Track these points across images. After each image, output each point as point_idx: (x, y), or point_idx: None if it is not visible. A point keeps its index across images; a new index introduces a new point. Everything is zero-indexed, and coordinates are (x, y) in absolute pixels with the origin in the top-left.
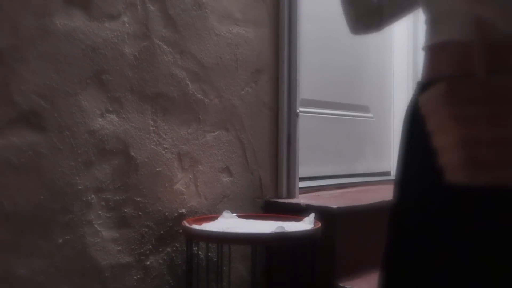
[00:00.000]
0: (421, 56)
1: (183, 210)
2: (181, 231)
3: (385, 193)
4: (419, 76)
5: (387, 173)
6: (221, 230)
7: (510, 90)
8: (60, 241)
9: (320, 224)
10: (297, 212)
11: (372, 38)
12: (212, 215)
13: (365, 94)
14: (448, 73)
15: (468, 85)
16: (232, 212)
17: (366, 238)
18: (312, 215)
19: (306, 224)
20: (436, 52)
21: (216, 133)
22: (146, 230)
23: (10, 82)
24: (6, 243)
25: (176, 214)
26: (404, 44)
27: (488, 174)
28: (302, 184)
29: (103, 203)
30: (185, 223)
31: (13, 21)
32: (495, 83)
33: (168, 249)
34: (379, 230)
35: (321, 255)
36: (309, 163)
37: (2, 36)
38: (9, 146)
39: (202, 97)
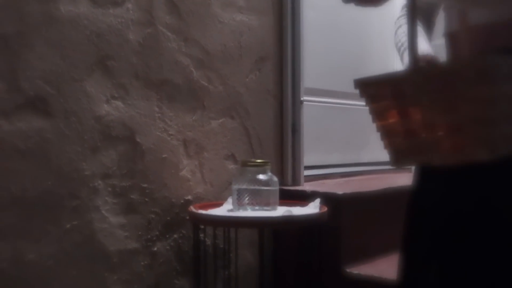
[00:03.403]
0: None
1: (189, 197)
2: (187, 217)
3: (390, 181)
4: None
5: None
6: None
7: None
8: (68, 226)
9: (326, 208)
10: (302, 198)
11: (376, 25)
12: (218, 202)
13: None
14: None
15: (377, 82)
16: None
17: (371, 224)
18: (318, 200)
19: (311, 208)
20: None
21: (221, 120)
22: (153, 216)
23: (16, 68)
24: (15, 228)
25: (182, 201)
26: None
27: (408, 159)
28: (307, 172)
29: (109, 189)
30: (192, 208)
31: (18, 7)
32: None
33: (175, 236)
34: (384, 217)
35: (327, 240)
36: (314, 152)
37: (8, 22)
38: (16, 131)
39: (206, 84)
